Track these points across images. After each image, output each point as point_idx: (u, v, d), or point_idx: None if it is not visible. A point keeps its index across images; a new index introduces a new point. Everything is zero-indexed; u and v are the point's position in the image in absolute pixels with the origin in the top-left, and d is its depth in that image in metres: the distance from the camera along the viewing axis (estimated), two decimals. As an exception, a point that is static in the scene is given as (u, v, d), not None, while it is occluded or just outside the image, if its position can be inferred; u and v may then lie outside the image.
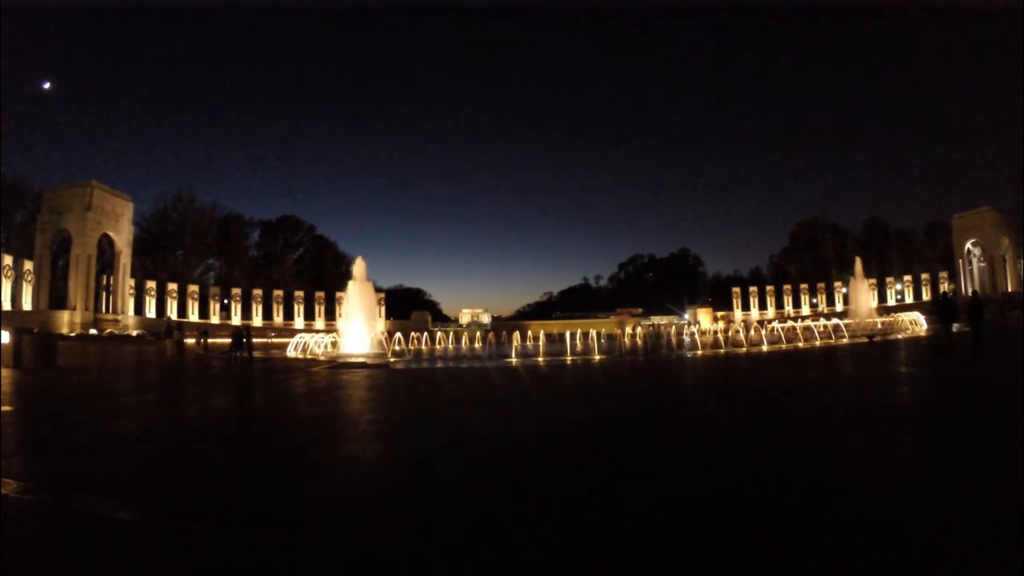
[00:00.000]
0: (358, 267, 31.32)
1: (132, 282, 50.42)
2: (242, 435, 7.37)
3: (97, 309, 46.55)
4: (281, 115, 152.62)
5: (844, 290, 58.21)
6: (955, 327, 16.06)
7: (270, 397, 11.80)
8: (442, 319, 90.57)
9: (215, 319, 54.28)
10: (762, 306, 63.35)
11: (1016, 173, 52.13)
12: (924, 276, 60.61)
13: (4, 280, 42.82)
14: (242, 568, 2.97)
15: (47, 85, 59.54)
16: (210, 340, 30.88)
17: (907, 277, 62.43)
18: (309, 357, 24.98)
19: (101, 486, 4.56)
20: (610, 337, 35.96)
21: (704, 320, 55.95)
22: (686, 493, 4.05)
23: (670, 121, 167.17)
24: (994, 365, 12.51)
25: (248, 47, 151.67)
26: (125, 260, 49.29)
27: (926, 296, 57.19)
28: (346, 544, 3.27)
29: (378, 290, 47.90)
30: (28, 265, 44.57)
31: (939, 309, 16.02)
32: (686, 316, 68.24)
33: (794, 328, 29.22)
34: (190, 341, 27.15)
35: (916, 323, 30.67)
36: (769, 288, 65.56)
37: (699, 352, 20.77)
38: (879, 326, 31.84)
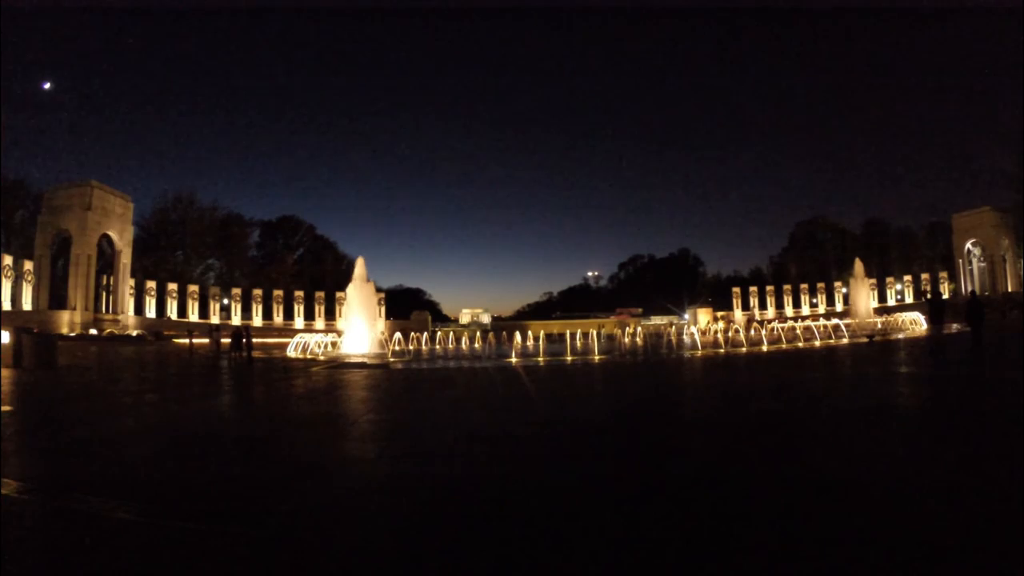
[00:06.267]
0: (358, 267, 31.35)
1: (132, 282, 50.42)
2: (239, 435, 7.36)
3: (97, 309, 46.55)
4: (281, 115, 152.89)
5: (844, 290, 58.23)
6: (955, 327, 16.28)
7: (268, 397, 11.79)
8: (442, 319, 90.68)
9: (215, 319, 54.29)
10: (762, 306, 63.37)
11: (1016, 173, 52.14)
12: (924, 276, 60.67)
13: (4, 280, 42.83)
14: (240, 568, 2.98)
15: (47, 85, 59.51)
16: (195, 341, 30.74)
17: (907, 277, 62.50)
18: (309, 357, 25.00)
19: (98, 485, 4.56)
20: (610, 337, 35.99)
21: (704, 320, 55.95)
22: (687, 493, 4.05)
23: (670, 121, 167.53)
24: (993, 365, 12.51)
25: (247, 47, 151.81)
26: (125, 260, 49.30)
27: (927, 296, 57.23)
28: (345, 544, 3.28)
29: (378, 290, 47.81)
30: (28, 265, 44.59)
31: (929, 310, 16.51)
32: (686, 316, 68.29)
33: (794, 328, 29.23)
34: (224, 341, 27.93)
35: (916, 323, 30.68)
36: (769, 288, 65.60)
37: (699, 352, 20.76)
38: (879, 326, 31.85)
